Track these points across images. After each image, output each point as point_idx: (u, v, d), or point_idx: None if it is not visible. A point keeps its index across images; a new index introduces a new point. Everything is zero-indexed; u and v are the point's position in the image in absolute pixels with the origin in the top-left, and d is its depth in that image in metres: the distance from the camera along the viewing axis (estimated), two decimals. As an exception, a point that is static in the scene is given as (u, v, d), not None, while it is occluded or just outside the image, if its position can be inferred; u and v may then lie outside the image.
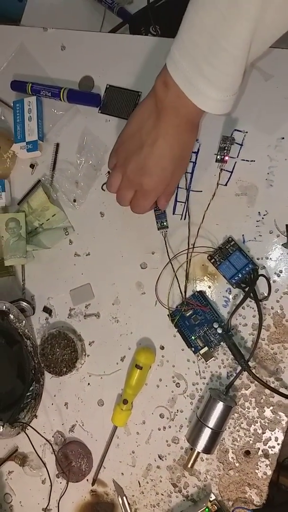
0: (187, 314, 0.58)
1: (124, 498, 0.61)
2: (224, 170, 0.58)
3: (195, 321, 0.58)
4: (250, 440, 0.56)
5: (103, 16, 0.84)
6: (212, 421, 0.54)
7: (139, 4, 0.81)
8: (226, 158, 0.57)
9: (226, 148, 0.56)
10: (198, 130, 0.54)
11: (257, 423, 0.56)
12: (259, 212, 0.57)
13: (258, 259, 0.57)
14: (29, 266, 0.67)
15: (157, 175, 0.52)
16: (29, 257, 0.65)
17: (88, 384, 0.63)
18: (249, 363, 0.55)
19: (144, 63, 0.63)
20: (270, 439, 0.55)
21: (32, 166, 0.67)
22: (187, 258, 0.59)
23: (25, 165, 0.68)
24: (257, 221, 0.57)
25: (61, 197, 0.66)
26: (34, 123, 0.65)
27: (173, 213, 0.61)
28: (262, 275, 0.56)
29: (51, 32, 0.68)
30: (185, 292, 0.59)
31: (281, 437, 0.55)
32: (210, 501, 0.56)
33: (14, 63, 0.69)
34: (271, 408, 0.55)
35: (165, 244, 0.60)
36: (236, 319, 0.57)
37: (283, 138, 0.56)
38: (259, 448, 0.56)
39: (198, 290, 0.59)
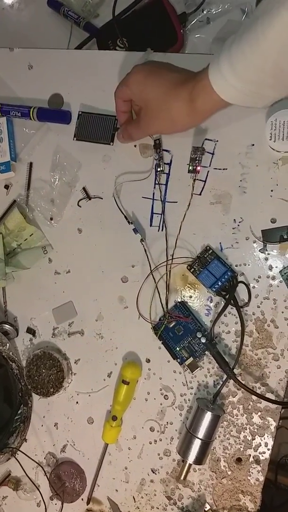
0: (171, 326, 0.58)
1: (120, 515, 0.60)
2: (197, 179, 0.58)
3: (178, 332, 0.58)
4: (241, 447, 0.56)
5: (70, 31, 0.84)
6: (202, 432, 0.54)
7: (105, 18, 0.82)
8: (198, 168, 0.57)
9: (197, 158, 0.57)
10: (197, 121, 0.53)
11: (246, 429, 0.56)
12: (234, 219, 0.57)
13: (236, 266, 0.57)
14: (9, 288, 0.66)
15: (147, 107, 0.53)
16: (9, 278, 0.65)
17: (77, 402, 0.63)
18: (235, 370, 0.55)
19: (112, 77, 0.63)
20: (260, 445, 0.56)
21: (6, 187, 0.67)
22: (166, 270, 0.59)
23: (-1, 186, 0.67)
24: (233, 228, 0.57)
25: (37, 216, 0.65)
26: (5, 144, 0.65)
27: (150, 225, 0.61)
28: (242, 281, 0.56)
29: (18, 52, 0.68)
30: (166, 303, 0.59)
31: (270, 442, 0.55)
32: (205, 511, 0.56)
33: (-18, 85, 0.69)
34: (259, 413, 0.56)
35: (146, 256, 0.60)
36: (219, 327, 0.57)
37: (253, 145, 0.57)
38: (250, 455, 0.56)
39: (179, 300, 0.59)
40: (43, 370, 0.61)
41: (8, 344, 0.63)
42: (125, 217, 0.61)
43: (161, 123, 0.53)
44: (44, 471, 0.63)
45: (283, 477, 1.16)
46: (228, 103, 0.47)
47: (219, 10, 0.74)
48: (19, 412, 0.62)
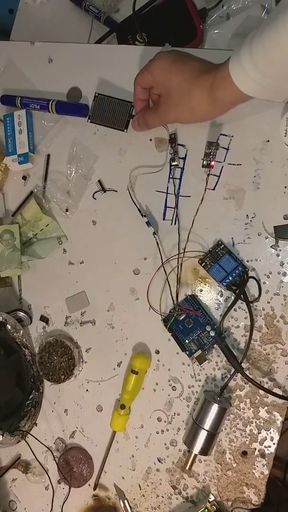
0: (180, 318, 0.59)
1: (126, 501, 0.62)
2: (211, 174, 0.59)
3: (188, 324, 0.59)
4: (247, 440, 0.57)
5: (90, 26, 0.85)
6: (208, 423, 0.54)
7: (126, 12, 0.83)
8: (213, 163, 0.58)
9: (211, 153, 0.57)
10: (216, 112, 0.53)
11: (252, 423, 0.56)
12: (247, 215, 0.58)
13: (248, 261, 0.57)
14: (25, 276, 0.68)
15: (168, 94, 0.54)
16: (24, 267, 0.66)
17: (87, 390, 0.64)
18: (243, 364, 0.55)
19: (130, 72, 0.63)
20: (266, 439, 0.56)
21: (24, 178, 0.69)
22: (178, 263, 0.60)
23: (17, 177, 0.69)
24: (246, 224, 0.58)
25: (53, 207, 0.67)
26: (24, 136, 0.67)
27: (163, 219, 0.62)
28: (252, 277, 0.56)
29: (38, 46, 0.69)
30: (177, 296, 0.60)
31: (276, 437, 0.56)
32: (209, 502, 0.57)
33: (3, 78, 0.71)
34: (266, 408, 0.56)
35: (158, 249, 0.60)
36: (228, 321, 0.58)
37: (268, 141, 0.57)
38: (255, 448, 0.56)
39: (190, 294, 0.60)
40: (55, 357, 0.63)
41: (22, 331, 0.65)
42: (139, 210, 0.61)
43: (181, 110, 0.54)
44: (53, 456, 0.64)
45: (292, 475, 1.16)
46: (248, 96, 0.47)
47: (239, 5, 0.74)
48: (30, 397, 0.64)
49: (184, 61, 0.53)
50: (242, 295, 0.56)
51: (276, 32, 0.41)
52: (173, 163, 0.60)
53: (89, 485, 0.64)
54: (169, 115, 0.56)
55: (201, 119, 0.54)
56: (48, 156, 0.67)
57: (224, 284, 0.57)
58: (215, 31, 0.77)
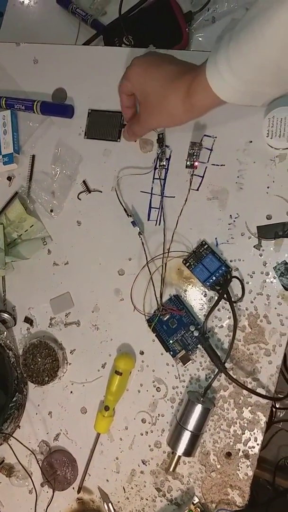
0: (165, 319, 0.59)
1: (110, 504, 0.61)
2: (195, 175, 0.59)
3: (172, 325, 0.59)
4: (231, 441, 0.56)
5: (78, 28, 0.86)
6: (191, 424, 0.54)
7: (113, 15, 0.83)
8: (196, 163, 0.58)
9: (194, 154, 0.57)
10: (195, 115, 0.52)
11: (236, 424, 0.56)
12: (230, 215, 0.58)
13: (231, 261, 0.57)
14: (9, 277, 0.68)
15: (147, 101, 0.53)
16: (8, 268, 0.66)
17: (71, 392, 0.64)
18: (226, 364, 0.55)
19: (115, 73, 0.64)
20: (250, 440, 0.56)
21: (9, 178, 0.68)
22: (162, 263, 0.60)
23: (2, 178, 0.69)
24: (229, 224, 0.58)
25: (38, 207, 0.67)
26: (9, 137, 0.67)
27: (148, 219, 0.62)
28: (236, 277, 0.56)
29: (23, 47, 0.69)
30: (161, 296, 0.59)
31: (260, 437, 0.55)
32: (194, 504, 0.57)
33: (-12, 79, 0.70)
34: (250, 408, 0.56)
35: (144, 249, 0.60)
36: (212, 321, 0.58)
37: (251, 141, 0.57)
38: (239, 449, 0.56)
39: (174, 294, 0.59)
40: (39, 359, 0.62)
41: (5, 333, 0.64)
42: (125, 210, 0.61)
43: (160, 117, 0.53)
44: (37, 459, 0.64)
45: (281, 479, 1.16)
46: (225, 101, 0.46)
47: (225, 9, 0.75)
48: (14, 399, 0.63)
49: (158, 64, 0.52)
50: (225, 295, 0.56)
51: (253, 37, 0.39)
52: (161, 163, 0.60)
53: (73, 488, 0.63)
54: (150, 123, 0.56)
55: (181, 123, 0.54)
56: (33, 156, 0.67)
57: (208, 284, 0.57)
58: (201, 34, 0.78)
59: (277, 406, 1.18)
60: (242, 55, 0.41)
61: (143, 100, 0.54)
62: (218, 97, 0.46)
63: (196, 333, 0.57)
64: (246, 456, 0.56)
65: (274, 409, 1.16)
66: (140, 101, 0.55)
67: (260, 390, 0.55)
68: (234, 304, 0.56)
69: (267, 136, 0.55)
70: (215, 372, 0.56)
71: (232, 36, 0.42)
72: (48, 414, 0.65)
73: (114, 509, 0.61)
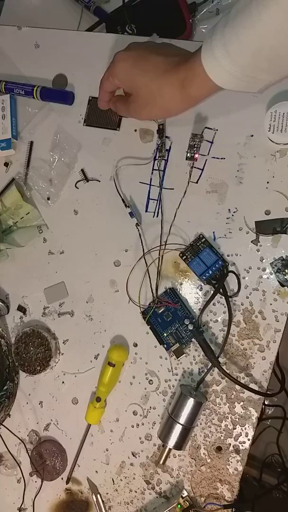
0: (159, 311, 0.59)
1: (98, 496, 0.61)
2: (195, 167, 0.58)
3: (167, 318, 0.58)
4: (221, 436, 0.56)
5: (80, 15, 0.84)
6: (183, 417, 0.54)
7: (116, 3, 0.82)
8: (196, 155, 0.57)
9: (195, 145, 0.57)
10: (191, 105, 0.51)
11: (228, 418, 0.56)
12: (229, 209, 0.57)
13: (228, 255, 0.57)
14: (3, 265, 0.67)
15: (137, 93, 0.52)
16: (3, 255, 0.65)
17: (63, 382, 0.63)
18: (220, 359, 0.55)
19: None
20: (241, 435, 0.56)
21: (6, 164, 0.67)
22: (159, 255, 0.59)
23: (-1, 164, 0.68)
24: (227, 218, 0.57)
25: (35, 195, 0.66)
26: (7, 121, 0.65)
27: (146, 211, 0.61)
28: (232, 271, 0.56)
29: (25, 31, 0.68)
30: (156, 289, 0.59)
31: (251, 433, 0.55)
32: (182, 498, 0.57)
33: (-12, 62, 0.69)
34: (242, 403, 0.56)
35: (141, 240, 0.60)
36: (207, 315, 0.57)
37: (252, 135, 0.57)
38: (230, 444, 0.56)
39: (170, 287, 0.59)
40: (31, 348, 0.62)
41: (-2, 321, 0.64)
42: (123, 200, 0.61)
43: (153, 109, 0.53)
44: (26, 448, 0.63)
45: (268, 475, 1.17)
46: (222, 88, 0.46)
47: (229, 1, 0.74)
48: (5, 388, 0.63)
49: (146, 57, 0.51)
50: (221, 290, 0.55)
51: (251, 21, 0.39)
52: (160, 154, 0.59)
53: (62, 478, 0.63)
54: (140, 114, 0.55)
55: (176, 114, 0.53)
56: (31, 143, 0.66)
57: (204, 278, 0.56)
58: (205, 26, 0.77)
59: (266, 403, 1.18)
60: (238, 39, 0.40)
61: (134, 93, 0.53)
62: (214, 84, 0.45)
63: (190, 327, 0.57)
64: (237, 451, 0.56)
65: (263, 406, 1.17)
66: (130, 93, 0.54)
67: (252, 386, 0.55)
68: (230, 299, 0.56)
69: (269, 131, 0.54)
70: (209, 366, 0.55)
71: (228, 21, 0.41)
72: (39, 403, 0.64)
73: (103, 501, 0.61)
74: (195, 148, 0.57)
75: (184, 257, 0.58)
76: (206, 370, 0.56)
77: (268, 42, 0.39)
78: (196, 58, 0.45)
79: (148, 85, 0.50)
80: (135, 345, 0.60)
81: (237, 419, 0.56)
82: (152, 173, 0.61)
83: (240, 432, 0.56)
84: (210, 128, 0.58)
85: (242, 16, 0.39)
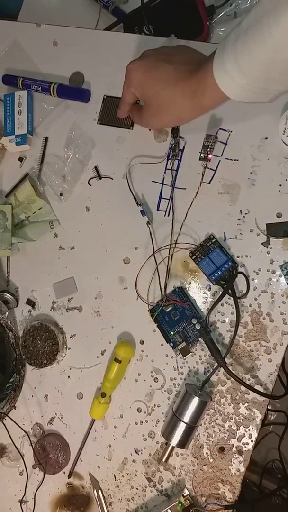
0: (167, 310, 0.59)
1: (100, 491, 0.61)
2: (208, 168, 0.59)
3: (174, 316, 0.59)
4: (225, 436, 0.56)
5: (98, 14, 0.85)
6: (187, 416, 0.54)
7: (134, 4, 0.82)
8: (210, 156, 0.58)
9: (209, 146, 0.57)
10: (202, 113, 0.52)
11: (232, 419, 0.56)
12: (240, 211, 0.58)
13: (238, 257, 0.57)
14: (14, 258, 0.67)
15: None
16: (14, 249, 0.66)
17: (68, 377, 0.64)
18: (226, 359, 0.55)
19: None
20: (244, 436, 0.56)
21: (20, 159, 0.68)
22: (169, 254, 0.60)
23: (13, 158, 0.69)
24: (239, 220, 0.58)
25: (48, 190, 0.66)
26: (23, 117, 0.66)
27: (157, 210, 0.61)
28: (241, 272, 0.56)
29: (44, 28, 0.69)
30: (165, 287, 0.59)
31: (255, 434, 0.55)
32: (184, 496, 0.57)
33: (7, 58, 0.70)
34: (246, 405, 0.56)
35: (151, 239, 0.60)
36: (215, 315, 0.58)
37: (266, 138, 0.57)
38: (233, 445, 0.56)
39: (178, 286, 0.59)
40: (39, 342, 0.62)
41: (7, 313, 0.64)
42: (135, 198, 0.61)
43: (165, 118, 0.53)
44: (30, 441, 0.64)
45: (268, 481, 1.16)
46: None
47: (247, 5, 0.74)
48: (11, 380, 0.63)
49: (157, 67, 0.51)
50: (230, 290, 0.55)
51: (262, 36, 0.39)
52: (174, 154, 0.60)
53: (64, 472, 0.63)
54: (152, 123, 0.56)
55: (186, 122, 0.54)
56: (46, 139, 0.67)
57: (213, 278, 0.56)
58: (222, 29, 0.77)
59: (268, 408, 1.18)
60: (250, 54, 0.41)
61: (146, 103, 0.53)
62: (226, 97, 0.46)
63: (198, 326, 0.57)
64: (240, 452, 0.56)
65: (266, 411, 1.16)
66: (143, 102, 0.55)
67: (258, 388, 0.55)
68: (238, 300, 0.56)
69: (283, 134, 0.54)
70: (215, 366, 0.56)
71: (240, 35, 0.41)
72: (44, 397, 0.65)
73: (104, 496, 0.61)
74: (208, 149, 0.57)
75: (194, 256, 0.58)
76: (212, 370, 0.56)
77: (279, 56, 0.40)
78: (208, 69, 0.45)
79: (160, 94, 0.51)
80: (142, 342, 0.61)
81: (241, 420, 0.56)
82: (165, 172, 0.61)
83: (244, 433, 0.56)
84: (225, 130, 0.59)
85: (253, 31, 0.40)
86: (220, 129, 0.59)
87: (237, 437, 0.56)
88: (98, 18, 0.85)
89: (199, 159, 0.58)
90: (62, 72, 0.67)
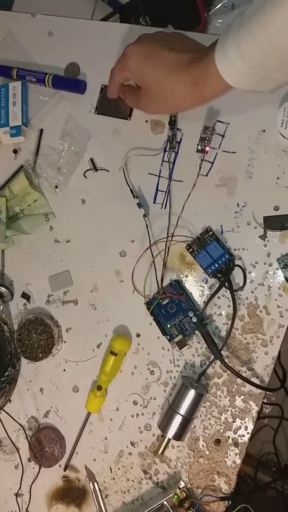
0: (164, 303, 0.59)
1: (96, 484, 0.61)
2: (205, 160, 0.58)
3: (171, 309, 0.58)
4: (221, 428, 0.57)
5: (94, 5, 0.84)
6: (183, 408, 0.54)
7: (130, -6, 0.82)
8: (207, 148, 0.57)
9: (206, 138, 0.57)
10: (202, 102, 0.52)
11: (228, 411, 0.56)
12: (237, 204, 0.57)
13: (235, 249, 0.57)
14: (8, 251, 0.67)
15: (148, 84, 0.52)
16: (9, 242, 0.65)
17: (64, 370, 0.64)
18: (222, 352, 0.55)
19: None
20: (240, 428, 0.56)
21: (15, 151, 0.67)
22: (165, 247, 0.59)
23: (8, 150, 0.68)
24: (236, 213, 0.58)
25: (43, 183, 0.66)
26: (18, 108, 0.65)
27: (154, 202, 0.61)
28: (238, 265, 0.56)
29: (39, 18, 0.68)
30: (161, 280, 0.59)
31: (250, 427, 0.56)
32: (179, 488, 0.57)
33: (1, 48, 0.69)
34: (242, 397, 0.56)
35: (148, 232, 0.60)
36: (212, 308, 0.58)
37: (264, 130, 0.57)
38: (229, 437, 0.56)
39: (175, 279, 0.59)
40: (34, 335, 0.62)
41: (2, 307, 0.64)
42: (131, 190, 0.61)
43: (164, 105, 0.53)
44: (26, 434, 0.64)
45: (262, 474, 1.17)
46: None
47: (245, -4, 0.74)
48: (6, 373, 0.63)
49: (159, 53, 0.51)
50: (226, 283, 0.55)
51: (264, 20, 0.39)
52: (171, 146, 0.59)
53: (59, 465, 0.63)
54: (150, 109, 0.56)
55: (186, 110, 0.54)
56: (41, 130, 0.66)
57: (210, 271, 0.56)
58: (219, 20, 0.77)
59: (264, 401, 1.19)
60: (252, 39, 0.41)
61: (145, 88, 0.53)
62: (227, 84, 0.45)
63: (194, 319, 0.57)
64: (235, 444, 0.56)
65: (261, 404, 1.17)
66: (141, 87, 0.54)
67: (254, 380, 0.55)
68: (235, 293, 0.56)
69: (281, 126, 0.54)
70: (211, 359, 0.56)
71: (243, 21, 0.41)
72: (40, 390, 0.64)
73: (100, 489, 0.61)
74: (206, 141, 0.57)
75: (191, 249, 0.58)
76: (208, 363, 0.56)
77: (280, 41, 0.39)
78: (209, 57, 0.45)
79: (160, 82, 0.51)
80: (138, 335, 0.61)
81: (237, 413, 0.56)
82: (161, 164, 0.61)
83: (240, 426, 0.56)
84: (222, 122, 0.58)
85: (256, 16, 0.40)
86: (218, 121, 0.58)
87: (233, 429, 0.56)
88: (94, 8, 0.84)
89: (196, 151, 0.58)
90: (57, 63, 0.66)
